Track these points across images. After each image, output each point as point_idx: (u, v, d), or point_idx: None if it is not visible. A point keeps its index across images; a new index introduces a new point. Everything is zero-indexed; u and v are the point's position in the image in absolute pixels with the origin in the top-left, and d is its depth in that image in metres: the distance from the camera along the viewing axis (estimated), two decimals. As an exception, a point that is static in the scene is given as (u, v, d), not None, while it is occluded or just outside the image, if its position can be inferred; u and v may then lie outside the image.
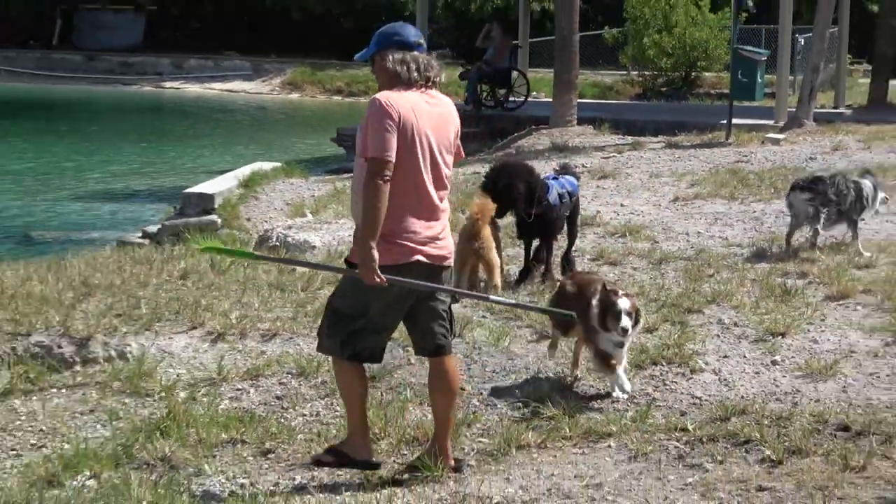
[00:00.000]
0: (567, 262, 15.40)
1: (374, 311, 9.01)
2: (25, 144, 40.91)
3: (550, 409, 10.32)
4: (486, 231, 14.33)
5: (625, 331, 9.79)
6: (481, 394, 10.93)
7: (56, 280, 15.07)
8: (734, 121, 29.78)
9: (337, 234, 18.02)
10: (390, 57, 8.93)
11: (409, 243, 8.81)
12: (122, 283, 14.20)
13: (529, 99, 35.43)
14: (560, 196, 14.50)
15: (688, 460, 9.37)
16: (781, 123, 30.53)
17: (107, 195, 32.56)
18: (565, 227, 15.60)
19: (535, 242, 15.26)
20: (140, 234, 22.39)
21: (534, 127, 30.14)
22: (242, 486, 9.15)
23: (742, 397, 10.75)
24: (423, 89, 8.95)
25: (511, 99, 34.39)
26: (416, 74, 8.89)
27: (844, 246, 16.69)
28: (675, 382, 11.11)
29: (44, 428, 10.43)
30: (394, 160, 8.47)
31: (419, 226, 8.85)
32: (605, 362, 10.08)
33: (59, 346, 12.13)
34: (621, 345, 10.25)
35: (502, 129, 30.93)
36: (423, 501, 8.62)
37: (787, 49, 32.92)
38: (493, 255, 14.45)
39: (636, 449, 9.53)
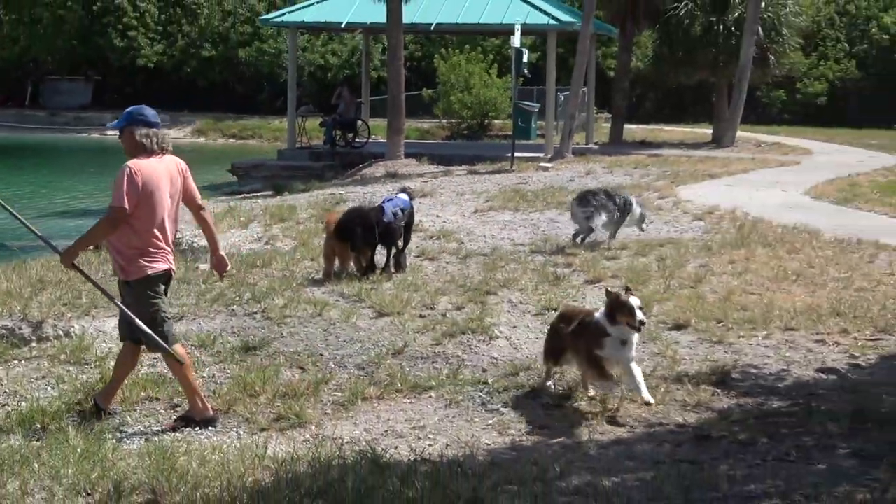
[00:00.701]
0: (397, 260, 14.94)
1: (160, 310, 9.30)
2: (6, 177, 40.10)
3: (387, 369, 10.13)
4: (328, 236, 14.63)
5: (642, 323, 9.10)
6: (335, 358, 10.64)
7: (18, 278, 14.87)
8: (516, 154, 29.61)
9: (229, 241, 17.63)
10: (138, 131, 9.17)
11: (160, 260, 9.21)
12: (68, 279, 13.79)
13: (370, 140, 35.28)
14: (394, 213, 14.23)
15: (489, 406, 9.33)
16: (549, 155, 30.60)
17: (66, 213, 31.65)
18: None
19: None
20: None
21: (373, 160, 30.11)
22: (155, 432, 8.89)
23: (527, 357, 10.70)
24: (159, 155, 9.27)
25: (357, 140, 34.44)
26: (155, 145, 9.22)
27: (600, 244, 16.47)
28: (479, 347, 11.01)
29: (7, 391, 10.03)
30: (128, 210, 8.89)
31: (163, 248, 9.28)
32: (602, 374, 9.57)
33: (20, 328, 11.86)
34: (625, 342, 9.28)
35: (351, 162, 31.17)
36: (291, 442, 8.36)
37: (552, 103, 33.21)
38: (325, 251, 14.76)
39: (450, 399, 9.47)
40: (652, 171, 27.95)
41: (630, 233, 17.20)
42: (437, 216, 19.28)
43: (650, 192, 23.66)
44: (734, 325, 11.70)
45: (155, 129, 9.29)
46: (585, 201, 17.10)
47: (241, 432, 8.83)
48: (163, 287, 9.40)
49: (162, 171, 9.22)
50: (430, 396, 9.57)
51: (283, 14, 39.29)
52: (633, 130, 39.34)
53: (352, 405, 9.35)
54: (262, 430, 8.85)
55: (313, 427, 8.86)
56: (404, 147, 30.65)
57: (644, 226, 17.34)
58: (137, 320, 9.02)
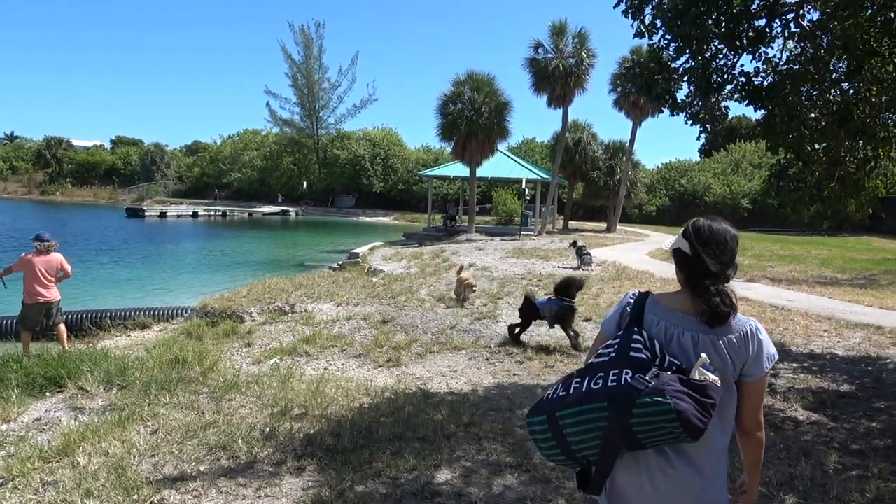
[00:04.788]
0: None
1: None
2: (313, 235, 39.19)
3: (445, 336, 8.52)
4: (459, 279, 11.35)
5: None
6: (423, 329, 9.07)
7: (289, 282, 13.16)
8: (522, 232, 27.94)
9: (391, 266, 16.15)
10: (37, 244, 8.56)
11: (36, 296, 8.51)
12: (313, 283, 12.42)
13: (462, 224, 33.92)
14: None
15: (490, 360, 7.62)
16: (536, 233, 28.62)
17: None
18: None
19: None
20: (336, 266, 20.39)
21: (462, 233, 28.81)
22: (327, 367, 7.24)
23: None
24: (46, 254, 8.58)
25: (456, 224, 33.18)
26: (44, 247, 8.55)
27: (550, 275, 14.68)
28: (490, 326, 9.32)
29: (272, 337, 8.58)
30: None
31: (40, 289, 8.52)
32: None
33: (284, 307, 10.47)
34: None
35: (452, 234, 29.76)
36: (391, 376, 6.73)
37: (538, 211, 31.18)
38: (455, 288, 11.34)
39: (472, 355, 7.84)
40: (579, 242, 25.51)
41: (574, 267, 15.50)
42: (483, 259, 17.63)
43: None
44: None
45: (46, 241, 8.57)
46: (581, 248, 16.24)
47: (369, 367, 7.29)
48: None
49: (44, 260, 8.53)
50: (463, 353, 7.88)
51: (427, 171, 38.06)
52: (572, 223, 37.08)
53: (425, 356, 7.74)
54: (379, 366, 7.31)
55: (404, 367, 7.26)
56: (475, 228, 28.98)
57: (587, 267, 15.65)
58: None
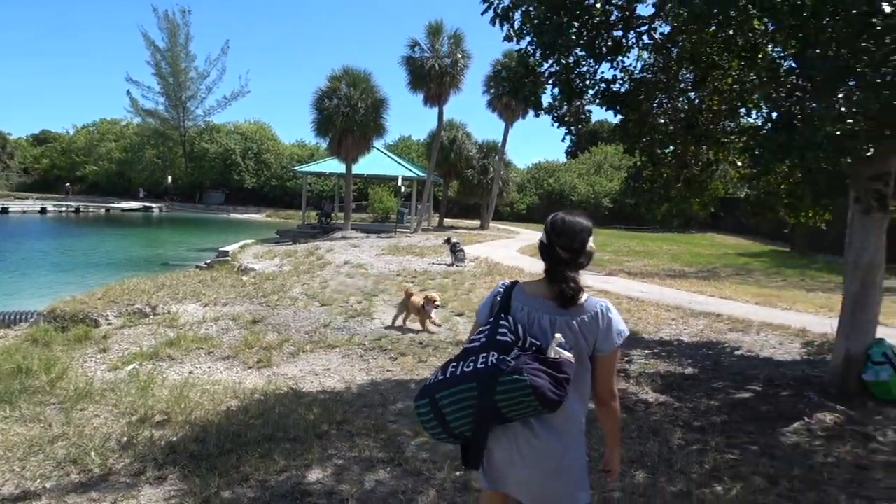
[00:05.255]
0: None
1: None
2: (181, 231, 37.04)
3: (318, 335, 8.38)
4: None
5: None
6: (295, 328, 8.86)
7: (151, 282, 12.37)
8: (397, 229, 28.05)
9: (264, 265, 15.63)
10: None
11: None
12: (176, 283, 11.73)
13: (337, 222, 33.45)
14: None
15: (364, 357, 7.58)
16: (412, 230, 28.82)
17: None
18: None
19: None
20: (203, 264, 19.42)
21: (338, 230, 28.41)
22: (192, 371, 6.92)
23: (389, 329, 8.83)
24: None
25: (331, 221, 32.69)
26: None
27: (427, 271, 14.83)
28: (365, 323, 9.28)
29: (131, 341, 8.02)
30: None
31: None
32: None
33: (145, 309, 9.79)
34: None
35: (327, 231, 29.31)
36: (261, 377, 6.52)
37: (414, 209, 31.36)
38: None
39: (345, 352, 7.73)
40: (453, 239, 26.01)
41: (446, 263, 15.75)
42: (359, 256, 17.49)
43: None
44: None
45: None
46: (455, 244, 16.38)
47: (238, 369, 7.01)
48: None
49: None
50: (337, 351, 7.78)
51: (302, 167, 37.22)
52: (447, 221, 37.67)
53: (297, 355, 7.57)
54: (249, 368, 7.06)
55: (275, 368, 7.05)
56: (351, 225, 28.69)
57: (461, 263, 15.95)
58: None
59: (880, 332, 6.21)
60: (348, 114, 25.47)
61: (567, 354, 2.26)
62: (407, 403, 5.68)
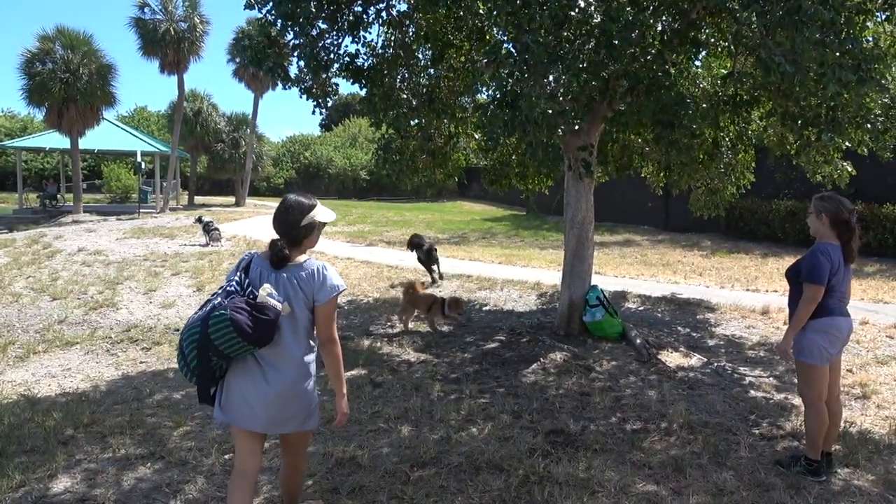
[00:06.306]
0: None
1: None
2: None
3: (53, 332, 7.49)
4: None
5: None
6: (23, 328, 7.79)
7: None
8: (141, 210, 25.57)
9: None
10: None
11: None
12: None
13: (65, 203, 29.49)
14: None
15: (111, 352, 6.99)
16: (158, 210, 26.51)
17: None
18: None
19: None
20: None
21: (67, 213, 24.96)
22: None
23: (138, 319, 8.24)
24: None
25: (57, 204, 28.63)
26: None
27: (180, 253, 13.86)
28: (110, 315, 8.52)
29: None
30: None
31: None
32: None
33: None
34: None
35: (54, 215, 25.64)
36: None
37: (159, 186, 28.84)
38: None
39: (88, 349, 7.02)
40: (207, 217, 24.55)
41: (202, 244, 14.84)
42: (96, 242, 15.66)
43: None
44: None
45: None
46: (208, 223, 15.65)
47: None
48: None
49: None
50: (77, 348, 7.06)
51: (13, 141, 32.04)
52: (198, 199, 35.36)
53: (28, 358, 6.71)
54: None
55: (0, 375, 6.17)
56: (84, 207, 25.50)
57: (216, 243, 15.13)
58: None
59: (594, 280, 7.34)
60: (68, 80, 22.47)
61: (273, 302, 2.72)
62: (165, 394, 5.40)
